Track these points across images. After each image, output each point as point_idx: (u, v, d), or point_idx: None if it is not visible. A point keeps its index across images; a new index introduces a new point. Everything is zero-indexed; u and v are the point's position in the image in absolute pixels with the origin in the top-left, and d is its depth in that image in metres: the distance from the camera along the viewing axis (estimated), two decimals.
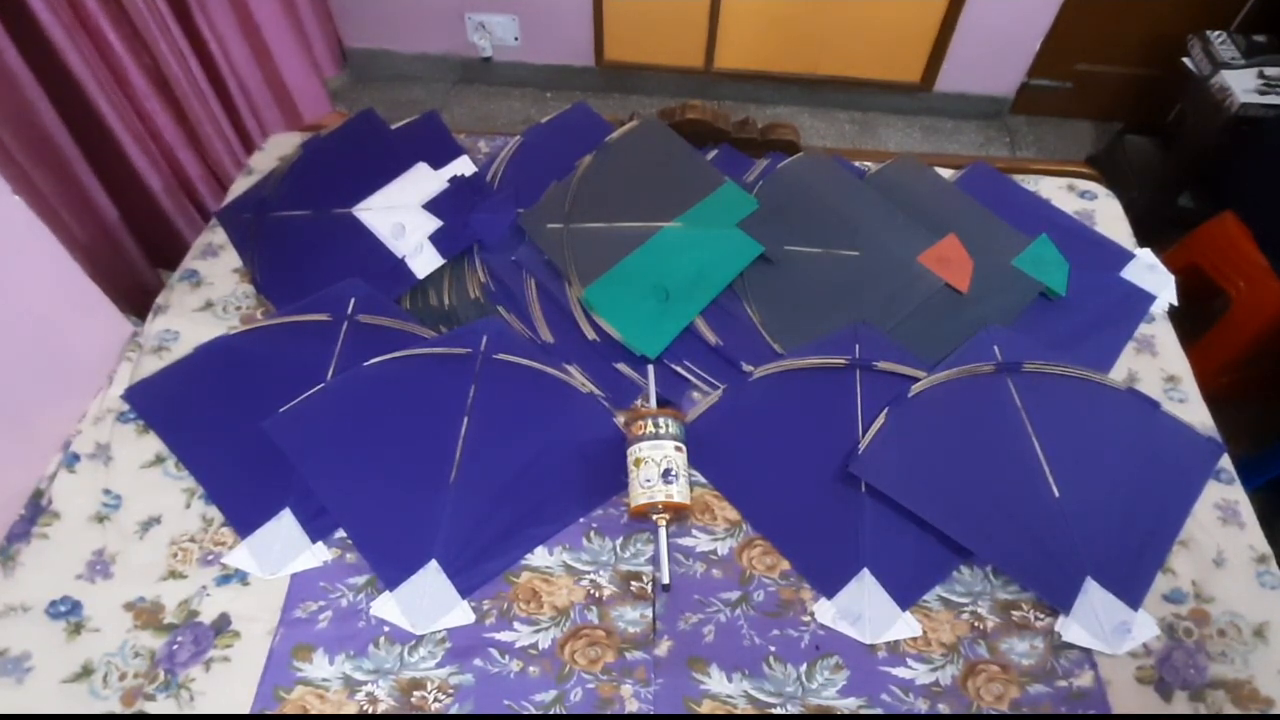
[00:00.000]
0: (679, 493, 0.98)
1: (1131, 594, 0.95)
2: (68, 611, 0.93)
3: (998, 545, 0.99)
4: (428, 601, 0.94)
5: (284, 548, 0.98)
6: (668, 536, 0.98)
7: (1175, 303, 1.30)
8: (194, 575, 0.97)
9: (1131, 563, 0.98)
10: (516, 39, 2.54)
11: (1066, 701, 0.90)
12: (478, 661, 0.91)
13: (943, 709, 0.89)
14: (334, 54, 2.52)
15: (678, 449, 1.01)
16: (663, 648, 0.93)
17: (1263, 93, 1.85)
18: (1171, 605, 0.97)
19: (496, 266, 1.27)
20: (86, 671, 0.89)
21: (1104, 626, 0.93)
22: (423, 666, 0.91)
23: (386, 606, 0.94)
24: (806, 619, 0.96)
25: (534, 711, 0.88)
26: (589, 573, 0.99)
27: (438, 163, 1.40)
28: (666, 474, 0.98)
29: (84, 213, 1.56)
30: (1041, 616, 0.96)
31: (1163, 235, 1.71)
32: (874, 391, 1.11)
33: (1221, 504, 1.06)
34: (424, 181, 1.37)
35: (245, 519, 1.00)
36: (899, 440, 1.05)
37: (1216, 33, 2.00)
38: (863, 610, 0.95)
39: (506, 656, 0.92)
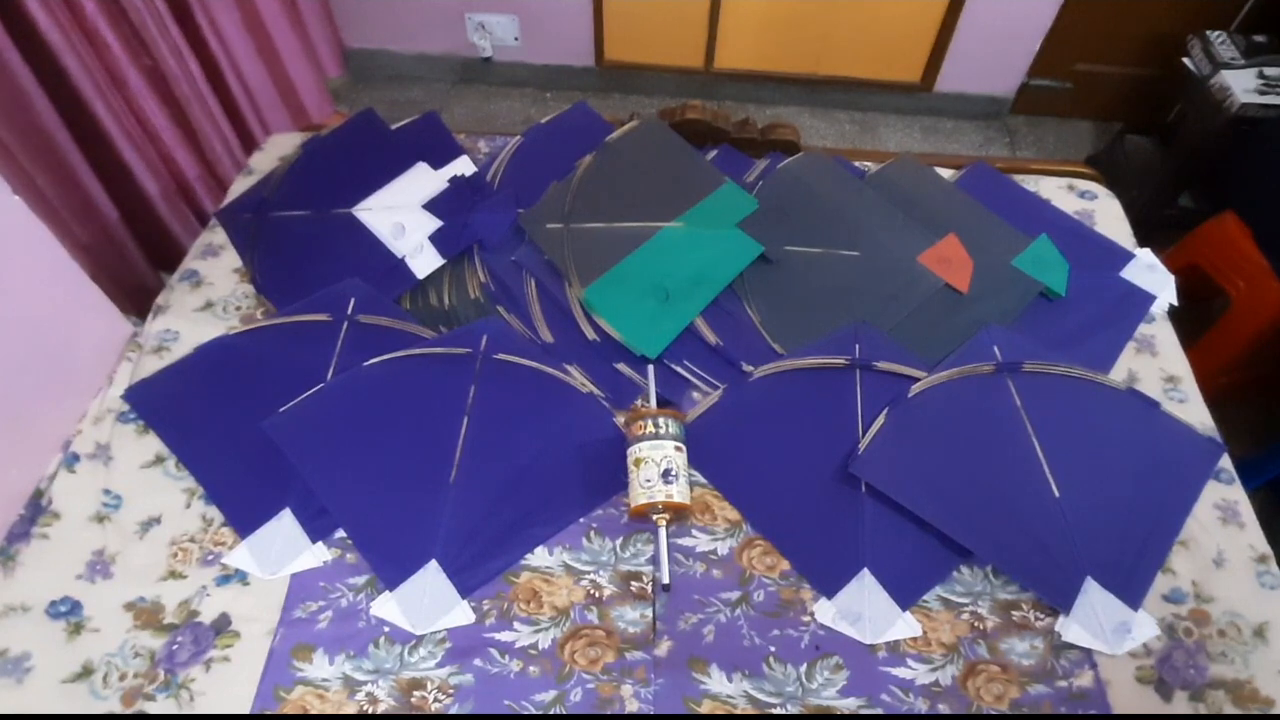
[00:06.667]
0: (679, 493, 0.98)
1: (1131, 594, 0.96)
2: (68, 611, 0.93)
3: (998, 545, 0.99)
4: (428, 601, 0.94)
5: (284, 548, 0.98)
6: (668, 536, 0.98)
7: (1175, 303, 1.30)
8: (194, 575, 0.97)
9: (1131, 562, 0.98)
10: (516, 39, 2.53)
11: (1066, 701, 0.90)
12: (478, 661, 0.91)
13: (943, 709, 0.89)
14: (337, 54, 2.52)
15: (678, 449, 1.01)
16: (663, 648, 0.93)
17: (1263, 93, 1.85)
18: (1171, 605, 0.98)
19: (496, 266, 1.27)
20: (86, 671, 0.89)
21: (1104, 626, 0.93)
22: (423, 666, 0.91)
23: (386, 606, 0.94)
24: (806, 619, 0.96)
25: (534, 711, 0.88)
26: (589, 573, 0.99)
27: (438, 163, 1.40)
28: (666, 474, 0.98)
29: (84, 213, 1.56)
30: (1041, 616, 0.96)
31: (1163, 235, 1.72)
32: (874, 391, 1.11)
33: (1221, 504, 1.06)
34: (424, 181, 1.36)
35: (245, 519, 1.00)
36: (899, 440, 1.05)
37: (1216, 33, 2.00)
38: (863, 610, 0.95)
39: (506, 656, 0.92)
